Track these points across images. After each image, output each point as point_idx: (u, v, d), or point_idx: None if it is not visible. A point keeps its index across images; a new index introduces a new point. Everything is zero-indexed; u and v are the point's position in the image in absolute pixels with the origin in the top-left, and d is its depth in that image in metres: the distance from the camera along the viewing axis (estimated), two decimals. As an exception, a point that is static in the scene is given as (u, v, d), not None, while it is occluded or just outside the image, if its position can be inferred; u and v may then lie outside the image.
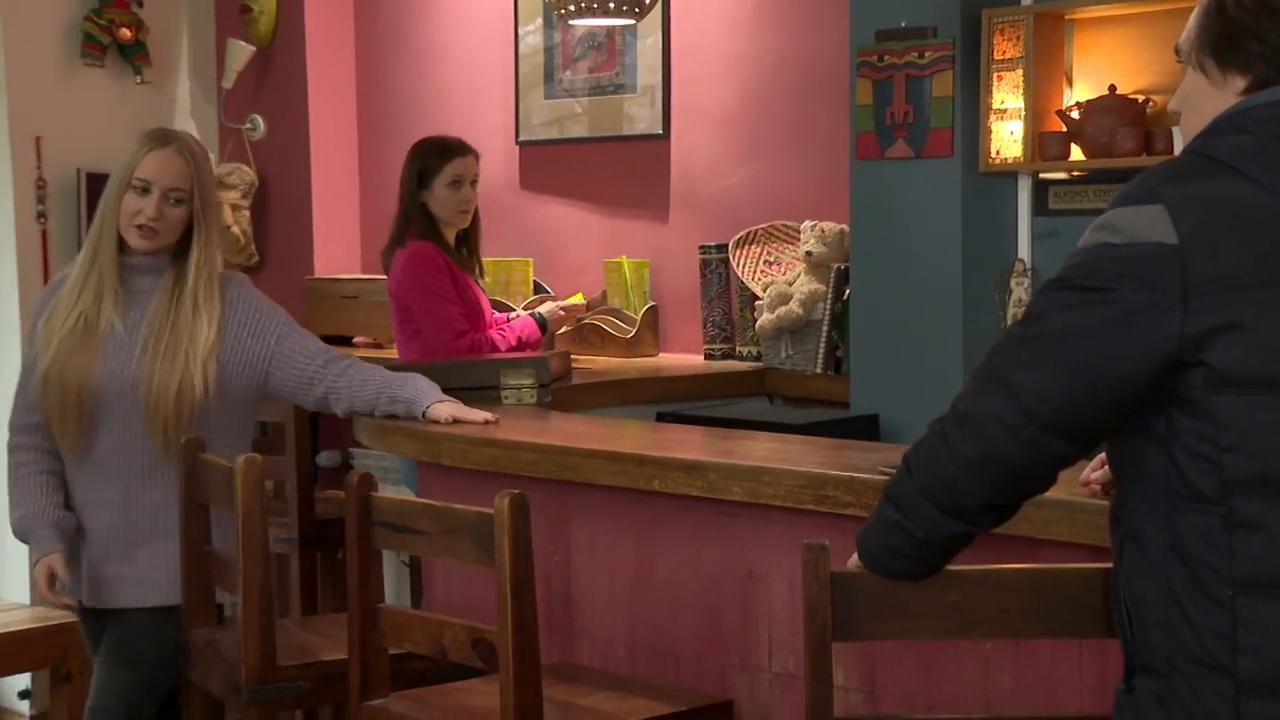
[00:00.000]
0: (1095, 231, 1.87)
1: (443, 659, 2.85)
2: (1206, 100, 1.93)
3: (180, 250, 3.35)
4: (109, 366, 3.28)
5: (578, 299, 4.94)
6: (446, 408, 3.44)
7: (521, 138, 5.52)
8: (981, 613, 2.18)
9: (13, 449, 3.41)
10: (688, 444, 3.29)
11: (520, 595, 2.65)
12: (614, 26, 5.05)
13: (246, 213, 6.08)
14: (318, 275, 5.93)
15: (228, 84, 6.05)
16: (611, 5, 3.98)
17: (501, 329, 4.47)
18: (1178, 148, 3.76)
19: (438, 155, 4.40)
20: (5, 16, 5.66)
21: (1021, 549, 2.49)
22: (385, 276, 5.36)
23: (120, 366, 3.29)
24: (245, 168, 6.07)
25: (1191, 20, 1.96)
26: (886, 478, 2.64)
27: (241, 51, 5.98)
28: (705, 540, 3.07)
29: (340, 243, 6.09)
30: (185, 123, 6.19)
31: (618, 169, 5.28)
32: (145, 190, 3.29)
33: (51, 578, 3.34)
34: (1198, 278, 1.80)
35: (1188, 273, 1.80)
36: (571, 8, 4.02)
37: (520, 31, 5.51)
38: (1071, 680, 2.58)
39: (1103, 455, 2.37)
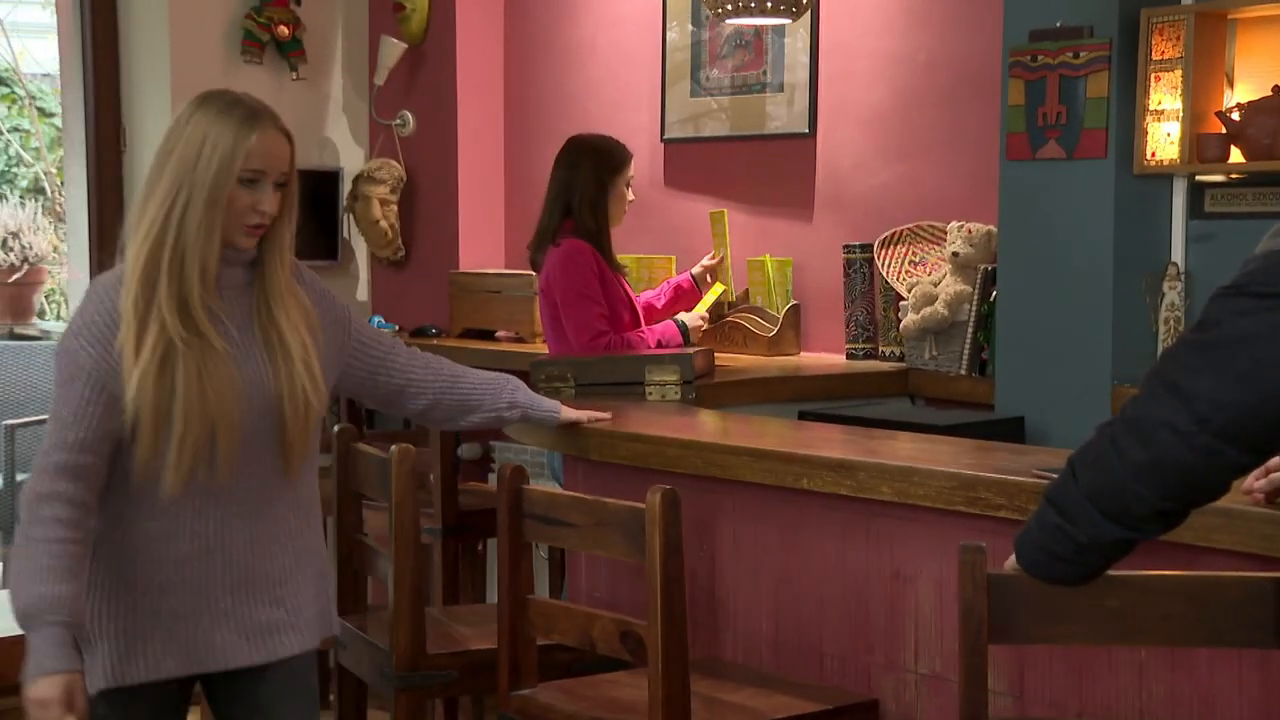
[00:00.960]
0: (1273, 238, 1.85)
1: (590, 651, 2.89)
2: None
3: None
4: (240, 387, 2.62)
5: (717, 290, 4.95)
6: (575, 412, 3.37)
7: (666, 135, 5.54)
8: (1141, 619, 2.16)
9: (48, 496, 2.52)
10: (834, 443, 3.29)
11: (670, 590, 2.67)
12: (766, 25, 5.05)
13: (395, 207, 6.18)
14: (462, 269, 6.00)
15: (380, 80, 6.15)
16: (769, 4, 3.98)
17: (641, 333, 4.50)
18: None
19: (621, 155, 4.41)
20: (173, 15, 5.82)
21: (1181, 557, 2.45)
22: (530, 272, 5.44)
23: (251, 384, 2.64)
24: (394, 163, 6.17)
25: None
26: (1041, 480, 2.64)
27: (394, 49, 6.08)
28: (852, 539, 3.07)
29: (485, 238, 6.16)
30: (338, 118, 6.32)
31: (762, 167, 5.29)
32: (254, 181, 2.60)
33: (68, 703, 2.46)
34: None
35: None
36: (729, 6, 4.03)
37: (667, 29, 5.53)
38: (1229, 691, 2.54)
39: (1269, 464, 2.33)
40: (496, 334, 5.75)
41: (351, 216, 6.24)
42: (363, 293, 6.43)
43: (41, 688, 2.43)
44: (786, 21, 4.16)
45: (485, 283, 5.77)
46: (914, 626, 2.98)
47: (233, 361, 2.61)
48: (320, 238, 6.21)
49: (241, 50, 5.99)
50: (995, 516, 2.72)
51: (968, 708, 2.16)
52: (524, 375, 4.42)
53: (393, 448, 3.21)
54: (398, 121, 6.19)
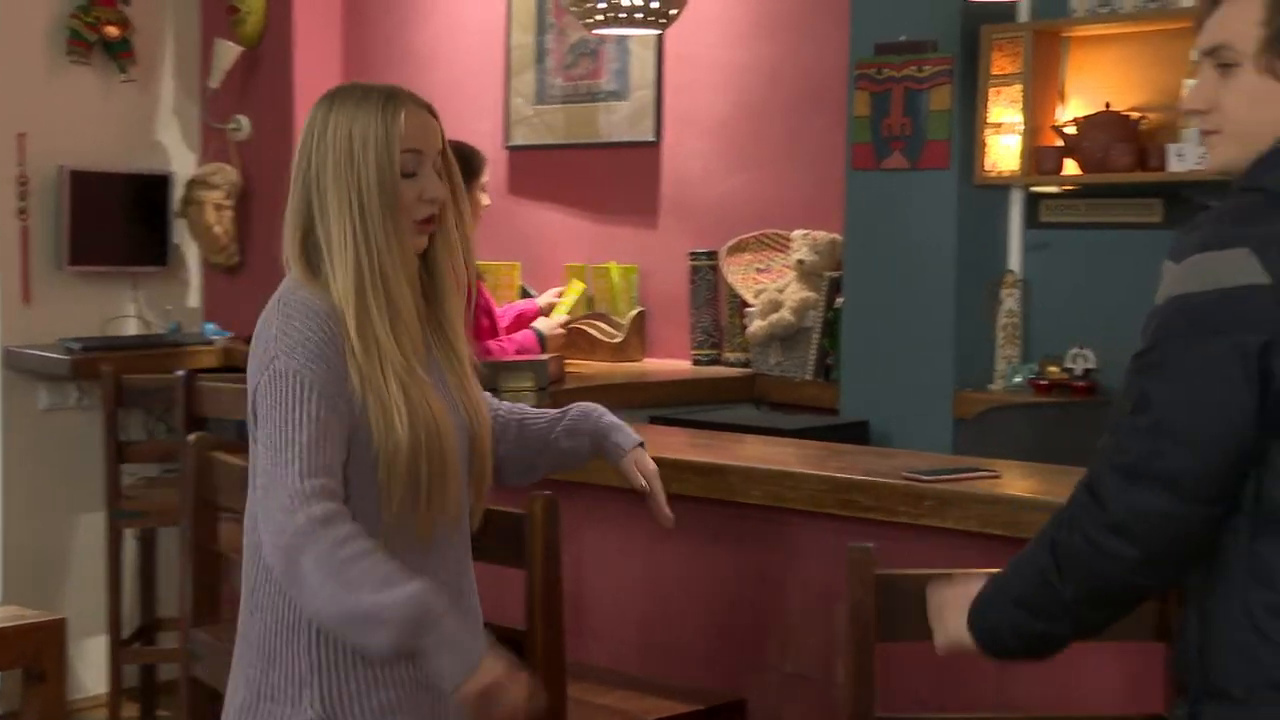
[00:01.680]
0: (1177, 284, 1.82)
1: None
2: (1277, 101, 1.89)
3: None
4: (451, 418, 2.29)
5: (576, 290, 4.97)
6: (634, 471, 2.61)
7: (511, 143, 5.55)
8: (1018, 614, 2.23)
9: (328, 518, 2.10)
10: (701, 447, 3.34)
11: (551, 595, 2.69)
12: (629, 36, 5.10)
13: (230, 213, 6.08)
14: (301, 276, 5.93)
15: (214, 84, 6.05)
16: (639, 15, 4.03)
17: (501, 342, 4.51)
18: (1187, 153, 3.85)
19: (477, 161, 4.40)
20: (-7, 11, 5.66)
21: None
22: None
23: (455, 414, 2.32)
24: (229, 168, 6.07)
25: (1244, 19, 1.90)
26: (912, 481, 2.72)
27: (229, 52, 5.98)
28: (721, 542, 3.12)
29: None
30: (169, 121, 6.19)
31: (608, 175, 5.33)
32: (415, 168, 2.26)
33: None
34: None
35: None
36: (599, 17, 4.06)
37: (511, 36, 5.54)
38: (1088, 681, 2.65)
39: None
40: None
41: (184, 222, 6.13)
42: (194, 300, 6.31)
43: (485, 671, 2.05)
44: (656, 33, 4.21)
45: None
46: (782, 627, 3.04)
47: (436, 389, 2.28)
48: (149, 243, 6.08)
49: (67, 50, 5.83)
50: (865, 518, 2.79)
51: (856, 706, 2.22)
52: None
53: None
54: (232, 126, 6.09)
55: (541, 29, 5.46)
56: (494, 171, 5.52)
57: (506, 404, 2.62)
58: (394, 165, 2.22)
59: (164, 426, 5.64)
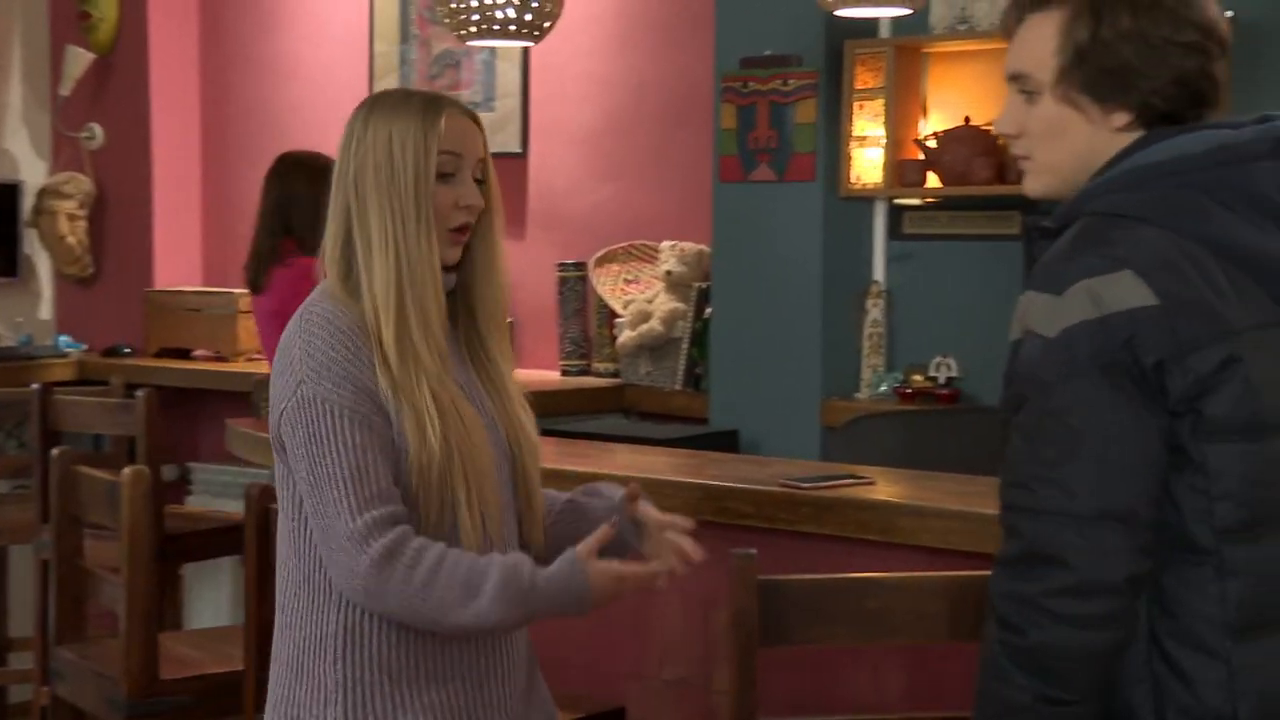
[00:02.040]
0: (1065, 315, 1.77)
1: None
2: (1078, 134, 1.88)
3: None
4: (486, 435, 2.20)
5: None
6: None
7: (374, 153, 5.51)
8: (899, 618, 2.27)
9: (392, 550, 2.06)
10: (577, 456, 3.34)
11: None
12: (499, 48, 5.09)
13: (84, 223, 5.96)
14: (158, 287, 5.84)
15: (65, 91, 5.93)
16: (513, 28, 4.03)
17: None
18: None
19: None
20: None
21: (922, 558, 2.60)
22: (233, 290, 5.35)
23: (490, 430, 2.22)
24: (81, 177, 5.95)
25: (1040, 49, 1.89)
26: (790, 489, 2.76)
27: (80, 59, 5.87)
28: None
29: (181, 255, 6.00)
30: (18, 129, 6.06)
31: (473, 186, 5.31)
32: (452, 173, 2.18)
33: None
34: (1186, 331, 1.76)
35: (1177, 329, 1.76)
36: (473, 29, 4.05)
37: (375, 47, 5.51)
38: (960, 683, 2.69)
39: None
40: (194, 353, 5.62)
41: (35, 232, 5.99)
42: (46, 311, 6.18)
43: (601, 592, 2.08)
44: (530, 44, 4.22)
45: (183, 301, 5.63)
46: (660, 634, 3.05)
47: (471, 404, 2.19)
48: (-3, 254, 5.95)
49: (-90, 56, 5.70)
50: (743, 525, 2.82)
51: (739, 713, 2.24)
52: (243, 396, 4.33)
53: (125, 470, 3.13)
54: (85, 134, 5.98)
55: (405, 39, 5.44)
56: (357, 182, 5.50)
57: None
58: (430, 168, 2.14)
59: (15, 442, 5.51)
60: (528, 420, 2.28)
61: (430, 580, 2.05)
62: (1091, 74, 1.86)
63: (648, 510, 2.27)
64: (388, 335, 2.13)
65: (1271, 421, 1.79)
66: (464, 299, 2.24)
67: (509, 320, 2.38)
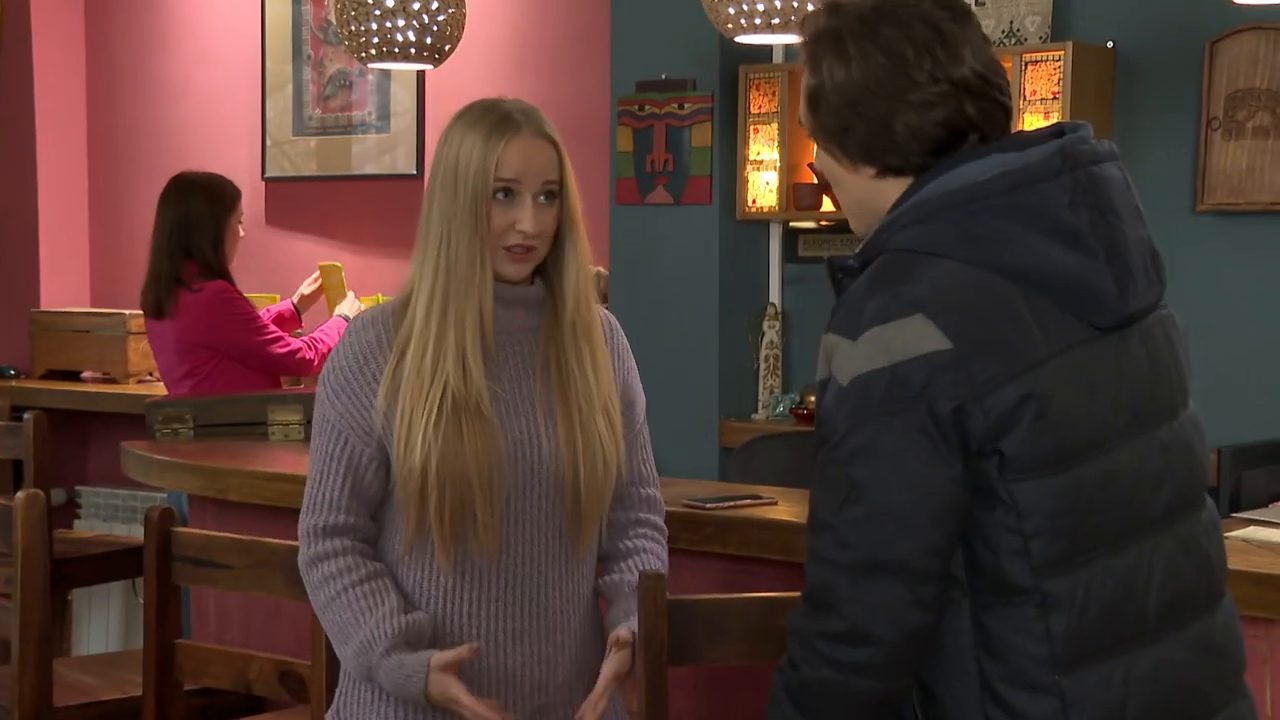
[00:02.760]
0: (859, 361, 1.74)
1: (246, 693, 2.85)
2: (848, 182, 1.88)
3: (542, 264, 2.30)
4: (508, 449, 2.23)
5: (334, 269, 4.87)
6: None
7: (268, 174, 5.48)
8: (805, 635, 2.31)
9: (316, 559, 2.24)
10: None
11: (335, 628, 2.67)
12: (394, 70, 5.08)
13: (-33, 243, 5.87)
14: (44, 308, 5.75)
15: (-52, 109, 5.83)
16: (413, 50, 4.03)
17: (315, 336, 4.45)
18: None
19: (232, 192, 4.31)
20: None
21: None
22: (122, 310, 5.30)
23: (518, 446, 2.24)
24: (-35, 196, 5.86)
25: (802, 103, 1.89)
26: (693, 510, 2.79)
27: (-36, 77, 5.78)
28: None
29: (68, 276, 5.92)
30: (-100, 148, 5.95)
31: (369, 207, 5.31)
32: (511, 193, 2.21)
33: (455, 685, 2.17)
34: (982, 372, 1.72)
35: (972, 371, 1.71)
36: (373, 51, 4.05)
37: (267, 67, 5.48)
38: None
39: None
40: (83, 374, 5.55)
41: (-83, 252, 5.89)
42: (-73, 329, 6.06)
43: (435, 695, 2.16)
44: (429, 67, 4.22)
45: (72, 322, 5.55)
46: (562, 655, 3.06)
47: (497, 420, 2.21)
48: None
49: None
50: (647, 545, 2.83)
51: (649, 728, 2.26)
52: (135, 418, 4.28)
53: (19, 494, 3.08)
54: (-32, 153, 5.88)
55: (298, 60, 5.41)
56: (251, 203, 5.46)
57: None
58: (487, 187, 2.19)
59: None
60: (607, 434, 2.27)
61: (325, 607, 2.25)
62: (831, 129, 1.86)
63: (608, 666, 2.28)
64: (411, 346, 2.20)
65: (1076, 448, 1.75)
66: (550, 310, 2.28)
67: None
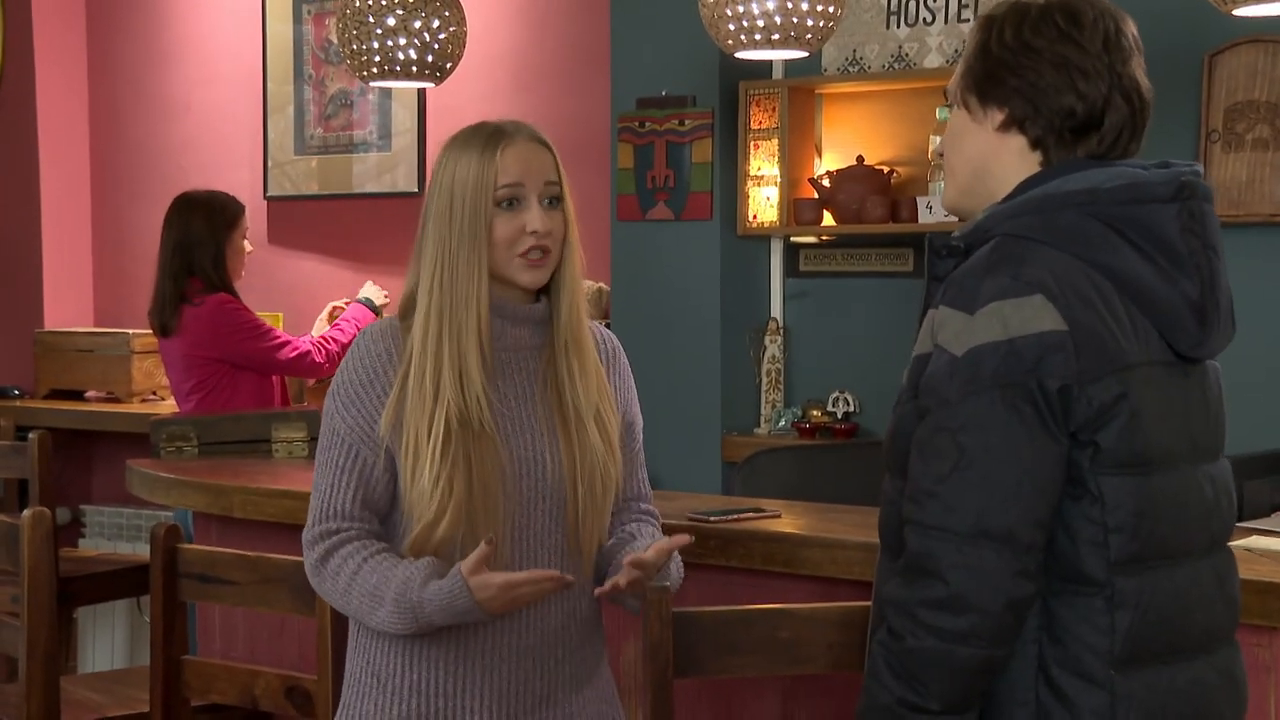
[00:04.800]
0: (974, 334, 1.79)
1: (252, 708, 2.86)
2: (968, 136, 1.95)
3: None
4: (513, 469, 2.22)
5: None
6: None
7: (270, 193, 5.50)
8: (809, 648, 2.32)
9: (326, 554, 2.22)
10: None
11: (342, 642, 2.67)
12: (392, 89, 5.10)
13: (-30, 264, 5.89)
14: (48, 328, 5.77)
15: (-49, 130, 5.85)
16: (414, 69, 4.05)
17: (328, 335, 4.48)
18: (936, 205, 4.04)
19: (231, 212, 4.34)
20: None
21: (826, 588, 2.65)
22: (126, 330, 5.31)
23: (523, 464, 2.23)
24: (-31, 217, 5.88)
25: (960, 63, 1.99)
26: (697, 523, 2.80)
27: (-33, 97, 5.80)
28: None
29: (72, 296, 5.94)
30: (-97, 169, 5.97)
31: (370, 226, 5.32)
32: (516, 200, 2.21)
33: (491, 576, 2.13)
34: (1088, 360, 1.78)
35: (1081, 357, 1.78)
36: (374, 70, 4.07)
37: (268, 87, 5.50)
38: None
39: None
40: (86, 394, 5.56)
41: (-80, 273, 5.90)
42: (-69, 351, 6.08)
43: (489, 594, 2.10)
44: (430, 85, 4.24)
45: (75, 342, 5.57)
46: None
47: (501, 440, 2.21)
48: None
49: None
50: (650, 559, 2.84)
51: (655, 739, 2.27)
52: (139, 437, 4.29)
53: (25, 513, 3.09)
54: (-28, 174, 5.90)
55: (299, 80, 5.44)
56: (253, 222, 5.47)
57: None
58: (487, 203, 2.19)
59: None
60: (600, 444, 2.26)
61: (348, 588, 2.19)
62: (977, 74, 1.94)
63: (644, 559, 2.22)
64: (412, 371, 2.19)
65: (1156, 457, 1.83)
66: (550, 336, 2.27)
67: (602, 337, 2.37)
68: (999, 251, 1.85)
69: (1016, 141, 1.91)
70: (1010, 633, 1.80)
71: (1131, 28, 1.94)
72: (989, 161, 1.94)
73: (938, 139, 2.00)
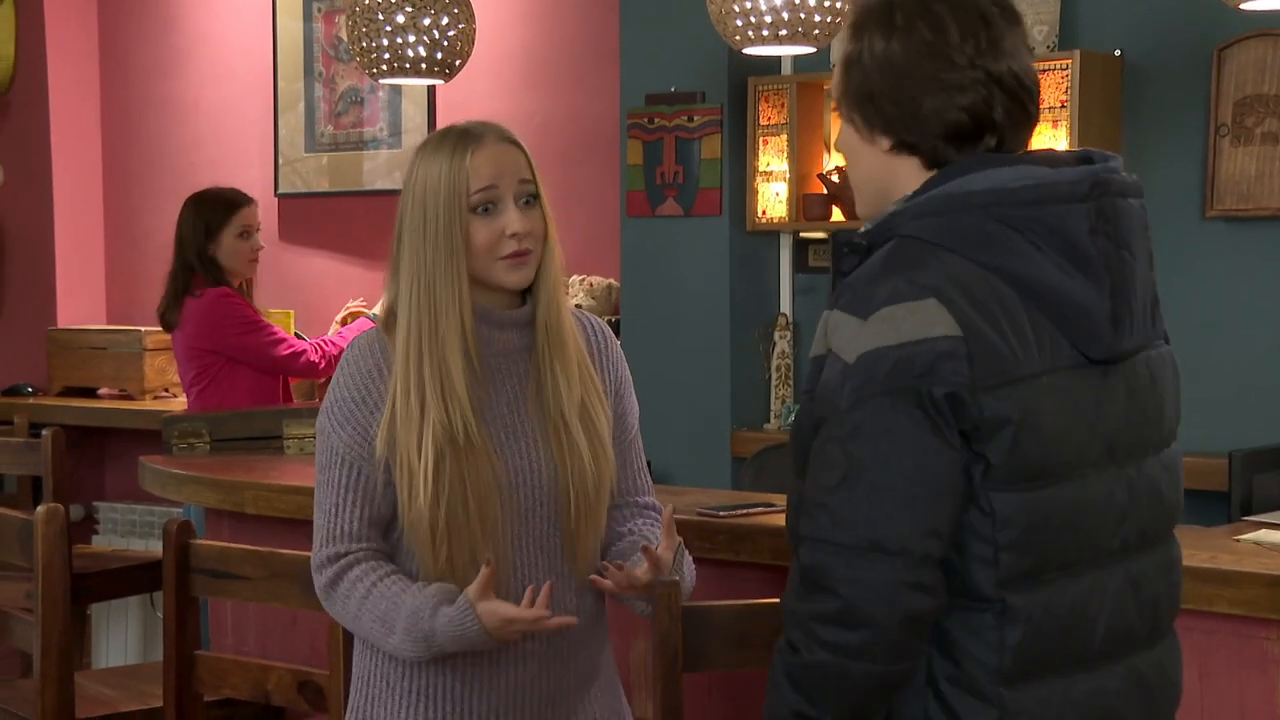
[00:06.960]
0: (867, 339, 1.71)
1: (265, 703, 2.87)
2: (863, 155, 1.88)
3: None
4: (508, 478, 2.21)
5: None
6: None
7: (280, 190, 5.52)
8: (817, 641, 2.32)
9: (336, 577, 2.22)
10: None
11: (352, 638, 2.69)
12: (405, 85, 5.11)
13: (-17, 262, 5.91)
14: (61, 326, 5.79)
15: (-37, 130, 5.88)
16: (424, 65, 4.06)
17: (329, 338, 4.49)
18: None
19: (223, 208, 4.37)
20: None
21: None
22: (137, 327, 5.34)
23: (518, 474, 2.23)
24: (-19, 215, 5.91)
25: (837, 68, 1.91)
26: (707, 519, 2.81)
27: (-21, 97, 5.83)
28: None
29: (84, 294, 5.96)
30: (-85, 168, 6.00)
31: (380, 222, 5.32)
32: (491, 203, 2.18)
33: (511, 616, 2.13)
34: (982, 369, 1.71)
35: (974, 364, 1.71)
36: (384, 67, 4.09)
37: (279, 85, 5.52)
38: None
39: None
40: (99, 391, 5.58)
41: (-66, 271, 5.93)
42: (-55, 351, 6.10)
43: (494, 623, 2.10)
44: (440, 82, 4.26)
45: (88, 339, 5.59)
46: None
47: (494, 452, 2.19)
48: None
49: None
50: (660, 554, 2.85)
51: (664, 733, 2.28)
52: (152, 433, 4.31)
53: (39, 509, 3.11)
54: (-15, 173, 5.92)
55: (309, 77, 5.45)
56: (264, 219, 5.48)
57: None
58: (462, 211, 2.16)
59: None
60: (584, 442, 2.24)
61: (358, 613, 2.20)
62: (855, 95, 1.86)
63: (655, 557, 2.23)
64: (398, 387, 2.17)
65: (1054, 469, 1.75)
66: (536, 338, 2.24)
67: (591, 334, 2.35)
68: (896, 255, 1.77)
69: (910, 161, 1.84)
70: (908, 648, 1.74)
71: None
72: (887, 181, 1.86)
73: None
